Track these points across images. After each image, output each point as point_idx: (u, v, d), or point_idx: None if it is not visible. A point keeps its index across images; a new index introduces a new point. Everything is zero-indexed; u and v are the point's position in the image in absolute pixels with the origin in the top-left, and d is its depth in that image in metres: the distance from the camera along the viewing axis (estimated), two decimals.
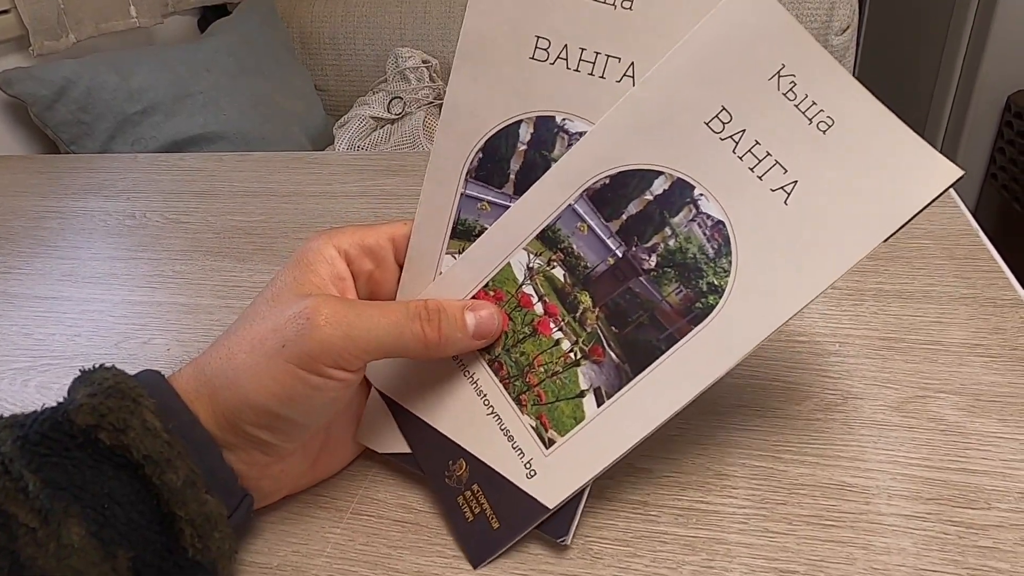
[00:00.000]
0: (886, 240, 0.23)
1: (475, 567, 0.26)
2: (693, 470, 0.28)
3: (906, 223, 0.23)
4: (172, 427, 0.23)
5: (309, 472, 0.29)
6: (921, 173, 0.23)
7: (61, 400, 0.23)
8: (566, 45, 0.26)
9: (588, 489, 0.26)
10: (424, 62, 1.36)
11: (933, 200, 0.22)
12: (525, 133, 0.27)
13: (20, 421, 0.22)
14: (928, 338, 0.34)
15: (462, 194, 0.28)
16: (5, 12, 1.00)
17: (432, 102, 1.34)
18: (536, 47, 0.27)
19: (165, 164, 0.69)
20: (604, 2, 0.26)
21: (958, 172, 0.22)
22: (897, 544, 0.24)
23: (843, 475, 0.27)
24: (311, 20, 1.49)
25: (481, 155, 0.28)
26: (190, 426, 0.24)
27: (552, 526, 0.26)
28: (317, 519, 0.28)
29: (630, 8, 0.25)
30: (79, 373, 0.24)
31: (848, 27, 1.21)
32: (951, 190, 0.46)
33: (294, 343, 0.23)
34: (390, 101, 1.32)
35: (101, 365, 0.24)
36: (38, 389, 0.38)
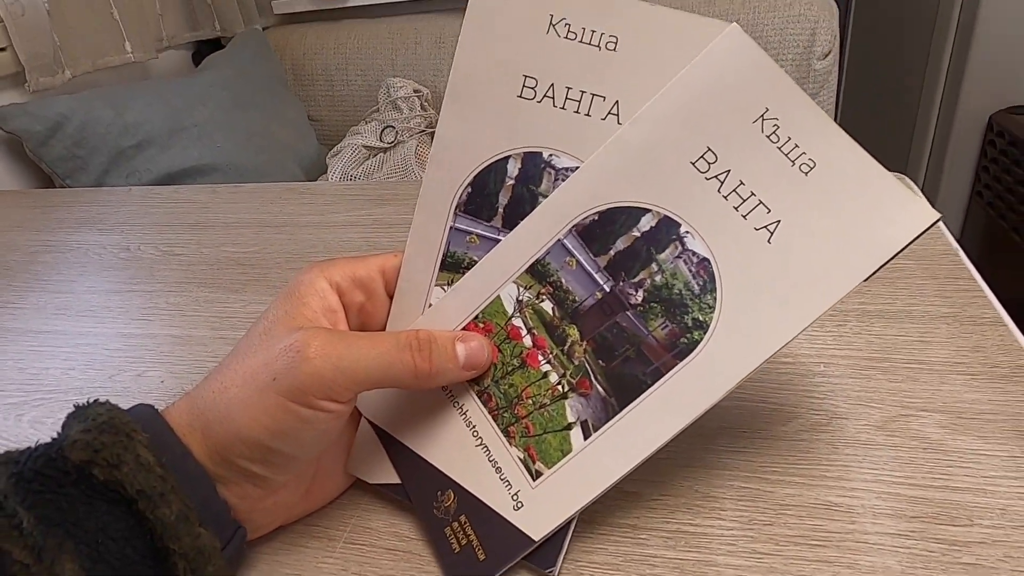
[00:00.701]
0: (866, 280, 0.24)
1: None
2: (681, 493, 0.29)
3: (885, 264, 0.23)
4: (165, 461, 0.23)
5: (301, 503, 0.29)
6: (900, 215, 0.23)
7: (55, 435, 0.24)
8: (552, 84, 0.27)
9: (576, 519, 0.26)
10: (416, 91, 1.38)
11: (911, 242, 0.23)
12: (513, 168, 0.28)
13: (15, 458, 0.23)
14: (910, 357, 0.35)
15: (451, 227, 0.29)
16: (2, 50, 1.01)
17: (424, 130, 1.36)
18: (524, 86, 0.28)
19: (159, 197, 0.70)
20: (589, 43, 0.26)
21: (935, 215, 0.23)
22: (882, 562, 0.25)
23: (829, 495, 0.28)
24: (304, 52, 1.51)
25: (470, 189, 0.29)
26: (183, 460, 0.24)
27: (540, 557, 0.26)
28: (310, 549, 0.28)
29: (614, 50, 0.26)
30: (73, 408, 0.25)
31: (830, 52, 1.24)
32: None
33: (285, 376, 0.24)
34: (382, 130, 1.34)
35: (95, 400, 0.25)
36: (32, 424, 0.38)
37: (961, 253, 0.43)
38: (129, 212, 0.67)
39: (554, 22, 0.27)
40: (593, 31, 0.26)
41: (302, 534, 0.29)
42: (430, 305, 0.29)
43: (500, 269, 0.28)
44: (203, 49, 1.49)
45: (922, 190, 1.48)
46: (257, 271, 0.52)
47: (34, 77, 1.03)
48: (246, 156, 1.20)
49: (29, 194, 0.80)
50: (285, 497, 0.28)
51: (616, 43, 0.26)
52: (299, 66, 1.52)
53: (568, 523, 0.26)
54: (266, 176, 1.22)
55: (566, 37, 0.27)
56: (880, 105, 1.73)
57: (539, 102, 0.27)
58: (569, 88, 0.27)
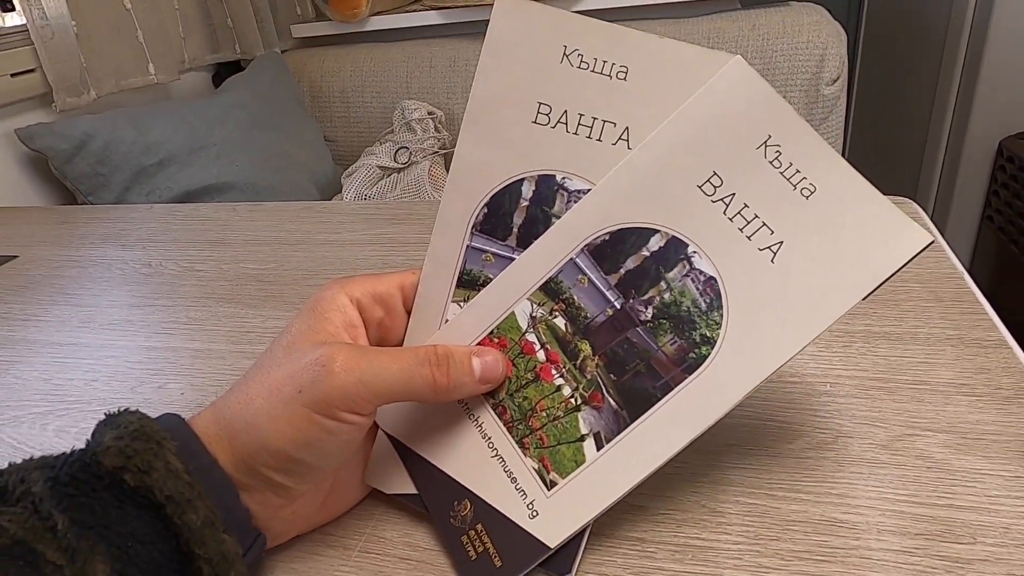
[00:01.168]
0: (863, 300, 0.25)
1: None
2: (689, 507, 0.29)
3: (880, 284, 0.24)
4: (192, 469, 0.24)
5: (319, 513, 0.30)
6: (895, 238, 0.24)
7: (83, 443, 0.25)
8: (566, 111, 0.29)
9: (590, 526, 0.27)
10: (429, 113, 1.41)
11: (905, 264, 0.24)
12: (527, 190, 0.29)
13: (50, 463, 0.24)
14: (915, 378, 0.35)
15: (468, 246, 0.30)
16: (31, 71, 1.05)
17: (437, 152, 1.38)
18: (538, 112, 0.29)
19: (179, 214, 0.71)
20: (601, 73, 0.28)
21: (928, 238, 0.24)
22: None
23: (834, 511, 0.28)
24: (321, 75, 1.54)
25: (486, 210, 0.30)
26: (209, 468, 0.25)
27: (556, 563, 0.27)
28: (326, 557, 0.29)
29: (624, 79, 0.28)
30: (104, 416, 0.26)
31: (838, 78, 1.25)
32: (938, 233, 0.47)
33: (310, 389, 0.25)
34: (396, 151, 1.36)
35: (125, 409, 0.26)
36: (56, 433, 0.40)
37: (966, 276, 0.44)
38: (151, 229, 0.68)
39: (568, 52, 0.28)
40: (605, 61, 0.28)
41: (318, 543, 0.30)
42: (447, 321, 0.30)
43: (514, 286, 0.29)
44: (223, 71, 1.52)
45: (932, 215, 1.48)
46: (275, 287, 0.53)
47: (61, 97, 1.07)
48: (263, 175, 1.23)
49: (54, 210, 0.83)
50: (303, 506, 0.28)
51: (626, 73, 0.28)
52: (316, 88, 1.55)
53: (583, 530, 0.27)
54: (282, 195, 1.24)
55: (579, 67, 0.28)
56: (889, 130, 1.74)
57: (553, 127, 0.29)
58: (582, 115, 0.28)
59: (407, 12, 1.54)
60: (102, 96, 1.13)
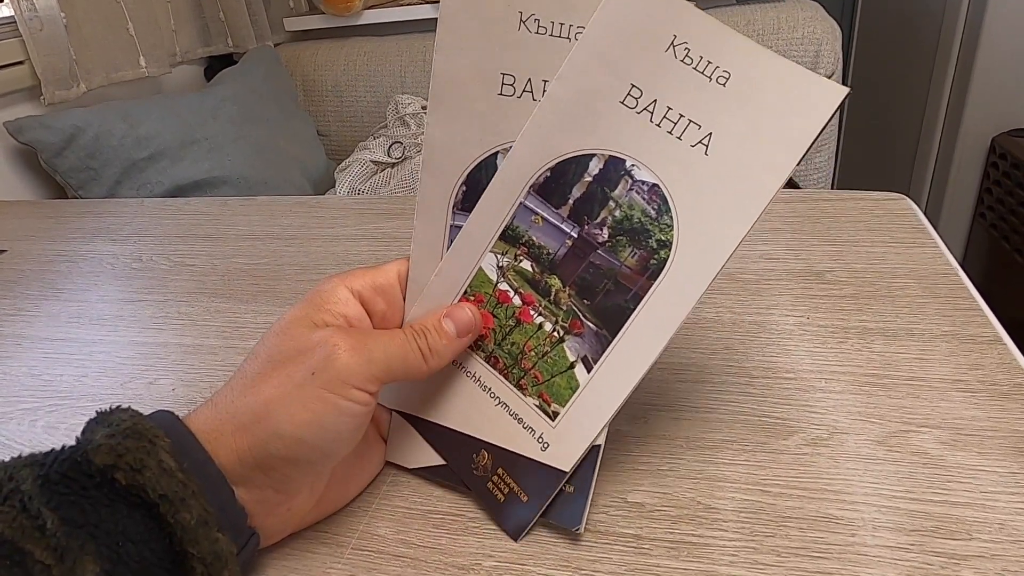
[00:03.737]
0: (799, 164, 0.25)
1: (516, 540, 0.28)
2: (684, 504, 0.29)
3: (811, 146, 0.25)
4: (186, 466, 0.24)
5: (313, 511, 0.30)
6: (813, 100, 0.25)
7: (73, 439, 0.24)
8: (529, 79, 0.29)
9: (595, 479, 0.28)
10: (423, 108, 1.40)
11: (829, 120, 0.24)
12: (502, 163, 0.30)
13: (39, 460, 0.23)
14: (911, 374, 0.35)
15: (451, 226, 0.31)
16: (19, 63, 1.03)
17: None
18: (503, 83, 0.29)
19: (171, 208, 0.71)
20: (559, 36, 0.28)
21: (844, 90, 0.24)
22: (882, 575, 0.25)
23: (829, 508, 0.28)
24: (314, 69, 1.53)
25: (465, 188, 0.30)
26: (203, 465, 0.25)
27: (567, 516, 0.28)
28: (319, 555, 0.29)
29: None
30: (95, 414, 0.25)
31: (833, 73, 1.25)
32: (934, 231, 0.47)
33: (323, 370, 0.25)
34: (390, 146, 1.35)
35: (118, 406, 0.25)
36: (45, 429, 0.39)
37: (961, 273, 0.44)
38: (141, 223, 0.68)
39: (524, 19, 0.28)
40: (562, 24, 0.28)
41: (311, 540, 0.30)
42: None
43: (475, 243, 0.30)
44: (215, 64, 1.51)
45: (925, 212, 1.48)
46: (267, 282, 0.53)
47: (50, 90, 1.05)
48: (255, 169, 1.22)
49: (43, 204, 0.82)
50: (300, 503, 0.28)
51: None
52: (309, 82, 1.54)
53: (589, 482, 0.28)
54: (275, 189, 1.23)
55: (536, 32, 0.28)
56: (883, 127, 1.74)
57: (519, 98, 0.29)
58: (546, 81, 0.28)
59: (401, 6, 1.53)
60: (92, 89, 1.12)
